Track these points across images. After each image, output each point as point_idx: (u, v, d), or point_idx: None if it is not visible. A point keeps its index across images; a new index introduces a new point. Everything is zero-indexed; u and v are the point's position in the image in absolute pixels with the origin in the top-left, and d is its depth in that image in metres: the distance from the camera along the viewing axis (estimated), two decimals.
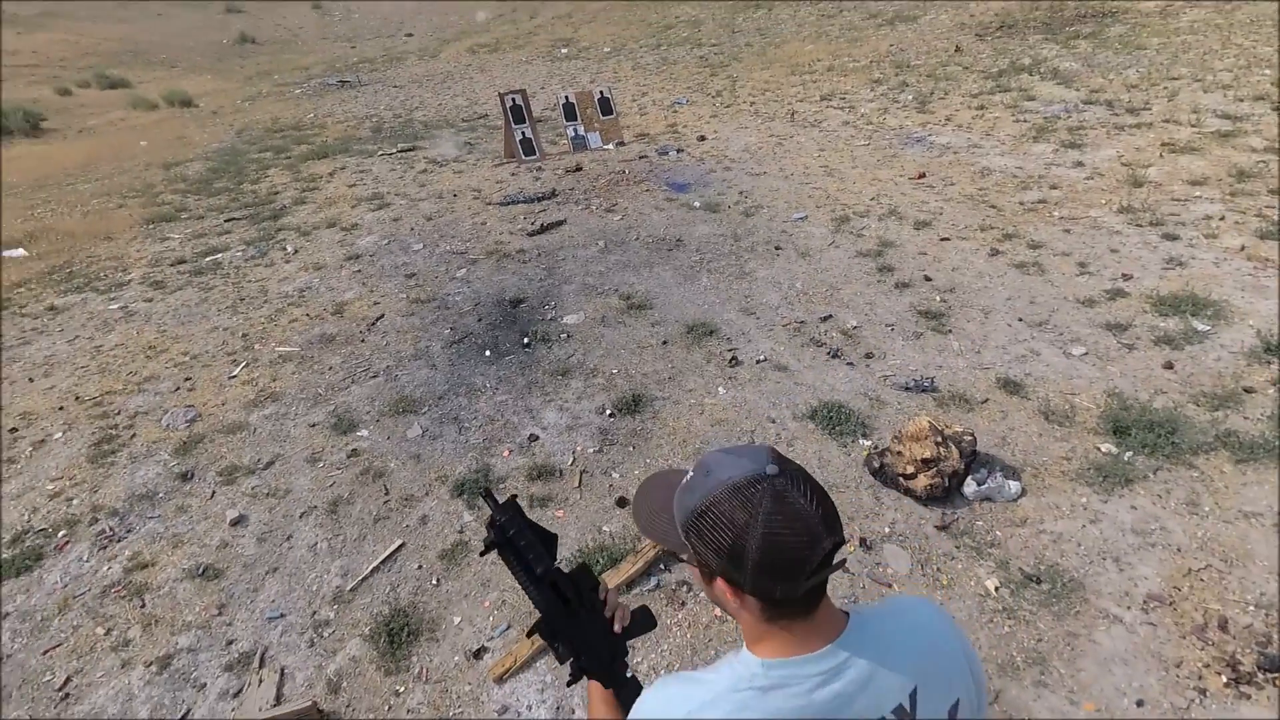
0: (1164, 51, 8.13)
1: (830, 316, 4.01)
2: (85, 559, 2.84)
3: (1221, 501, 2.56)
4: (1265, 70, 6.99)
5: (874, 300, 4.15)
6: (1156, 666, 2.06)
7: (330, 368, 3.99)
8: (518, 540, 0.95)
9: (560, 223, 5.67)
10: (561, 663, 0.97)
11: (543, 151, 7.54)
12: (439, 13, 23.66)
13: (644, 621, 1.04)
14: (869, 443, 3.03)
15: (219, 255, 5.77)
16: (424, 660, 2.31)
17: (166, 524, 2.98)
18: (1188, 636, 2.13)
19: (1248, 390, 3.07)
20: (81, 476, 3.30)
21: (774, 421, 3.22)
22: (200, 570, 2.72)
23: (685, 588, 2.44)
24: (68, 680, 2.34)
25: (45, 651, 2.45)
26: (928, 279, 4.29)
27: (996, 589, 2.33)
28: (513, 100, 7.33)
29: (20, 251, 6.26)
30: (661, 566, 2.52)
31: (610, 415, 3.37)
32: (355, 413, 3.57)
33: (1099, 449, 2.86)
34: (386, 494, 3.02)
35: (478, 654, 2.30)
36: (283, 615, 2.51)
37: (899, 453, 2.73)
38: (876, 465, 2.82)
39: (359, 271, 5.19)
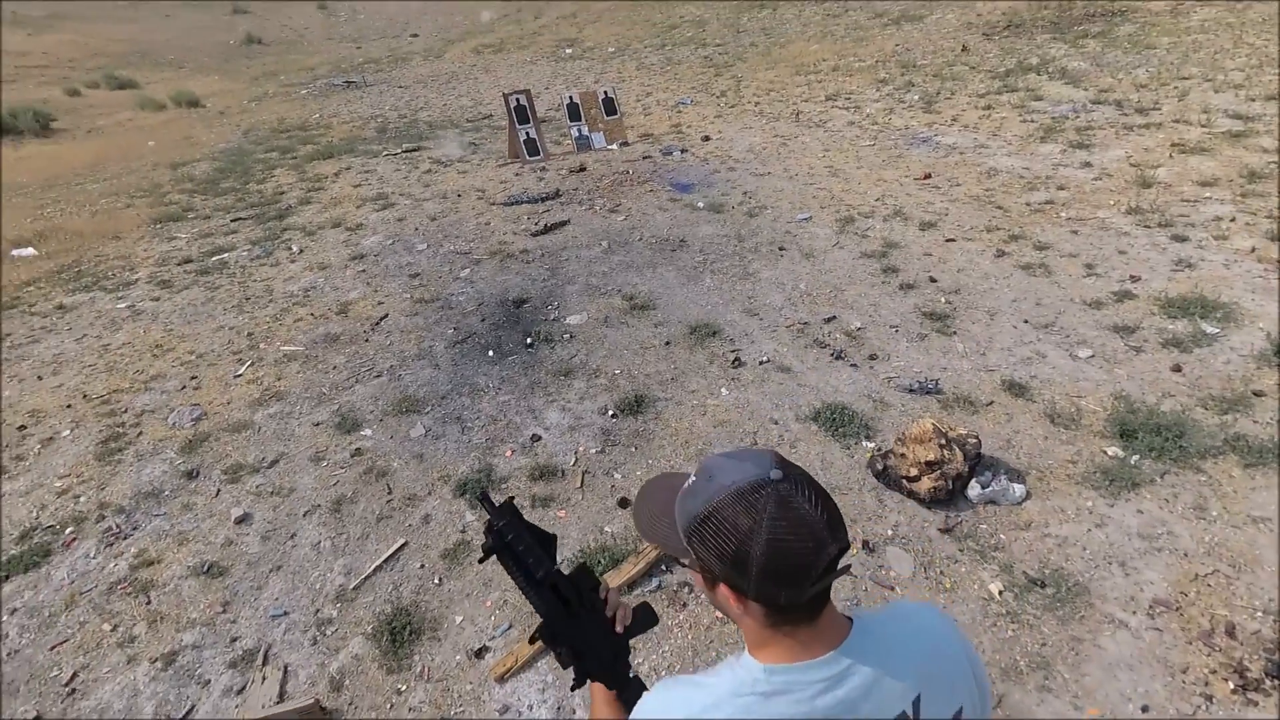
0: (1174, 51, 8.06)
1: (834, 318, 4.00)
2: (92, 556, 2.86)
3: (1229, 506, 2.54)
4: (1277, 70, 6.92)
5: (878, 301, 4.13)
6: (1162, 672, 2.04)
7: (334, 367, 4.01)
8: (516, 544, 0.94)
9: (564, 223, 5.67)
10: (565, 668, 0.96)
11: (547, 152, 7.54)
12: (444, 13, 23.69)
13: (646, 619, 1.03)
14: (872, 445, 3.02)
15: (225, 255, 5.80)
16: (426, 659, 2.32)
17: (172, 521, 3.00)
18: (1194, 642, 2.11)
19: (1257, 394, 3.04)
20: (89, 474, 3.33)
21: (777, 423, 3.21)
22: (205, 568, 2.74)
23: (687, 589, 2.44)
24: (74, 675, 2.36)
25: (52, 647, 2.48)
26: (933, 280, 4.27)
27: (1000, 593, 2.32)
28: (517, 100, 7.33)
29: (30, 250, 6.31)
30: (663, 567, 2.52)
31: (613, 416, 3.37)
32: (359, 412, 3.58)
33: (1105, 452, 2.83)
34: (389, 493, 3.03)
35: (479, 653, 2.31)
36: (286, 613, 2.53)
37: (902, 455, 2.72)
38: (880, 467, 2.81)
39: (363, 271, 5.21)
